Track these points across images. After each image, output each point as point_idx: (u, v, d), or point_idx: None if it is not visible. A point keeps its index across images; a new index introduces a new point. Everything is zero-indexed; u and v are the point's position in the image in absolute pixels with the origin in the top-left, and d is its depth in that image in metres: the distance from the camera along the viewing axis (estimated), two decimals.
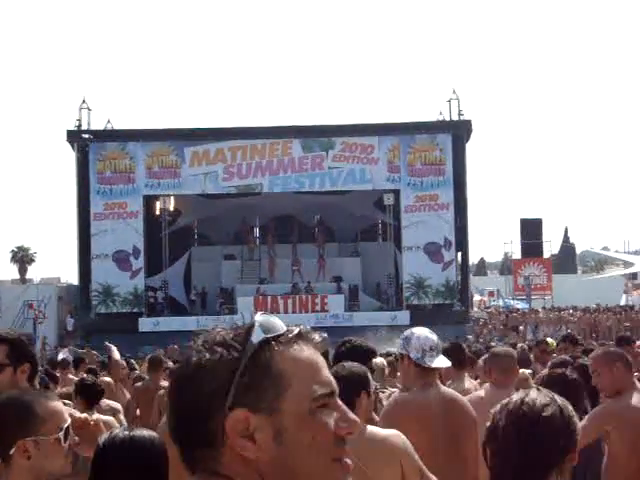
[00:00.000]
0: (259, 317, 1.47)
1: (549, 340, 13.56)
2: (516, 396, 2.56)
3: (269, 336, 1.43)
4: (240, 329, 1.47)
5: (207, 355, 1.43)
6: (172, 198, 39.80)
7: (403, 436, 4.14)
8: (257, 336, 1.43)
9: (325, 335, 1.55)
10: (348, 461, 1.46)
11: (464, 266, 41.29)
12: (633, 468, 4.78)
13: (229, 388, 1.40)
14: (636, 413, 4.89)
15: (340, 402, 1.47)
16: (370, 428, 4.09)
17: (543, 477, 2.43)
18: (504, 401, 2.56)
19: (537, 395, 2.53)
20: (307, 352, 1.46)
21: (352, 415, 1.46)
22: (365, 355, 5.20)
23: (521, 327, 35.51)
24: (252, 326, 1.45)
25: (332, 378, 1.48)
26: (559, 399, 2.52)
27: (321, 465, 1.41)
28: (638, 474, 4.81)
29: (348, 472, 1.45)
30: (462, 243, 40.18)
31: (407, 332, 4.93)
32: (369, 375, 4.28)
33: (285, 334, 1.46)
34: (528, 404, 2.49)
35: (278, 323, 1.48)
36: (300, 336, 1.47)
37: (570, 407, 2.53)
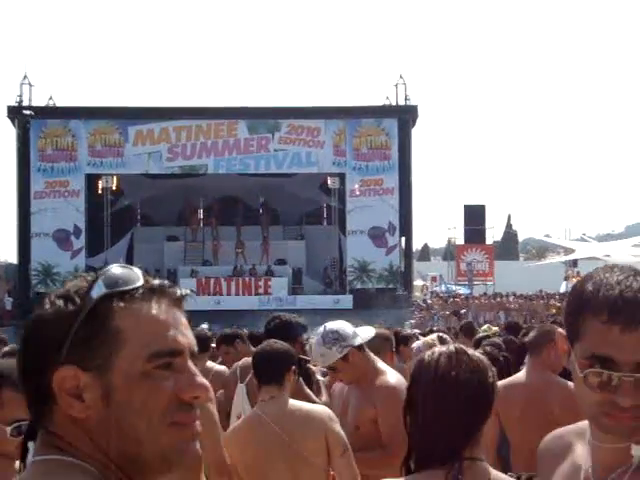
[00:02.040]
0: (110, 269, 1.37)
1: (487, 327, 13.53)
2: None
3: (112, 291, 1.33)
4: (86, 281, 1.36)
5: (47, 307, 1.35)
6: (115, 177, 39.26)
7: (329, 410, 4.20)
8: (97, 291, 1.33)
9: (188, 291, 1.42)
10: (195, 426, 1.35)
11: (408, 251, 41.52)
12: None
13: (63, 342, 1.31)
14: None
15: (190, 364, 1.36)
16: (294, 402, 4.16)
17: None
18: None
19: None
20: (155, 309, 1.35)
21: (200, 379, 1.36)
22: (295, 330, 5.11)
23: (462, 312, 35.78)
24: (96, 279, 1.35)
25: (182, 338, 1.36)
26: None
27: (153, 429, 1.32)
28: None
29: (190, 439, 1.35)
30: (406, 228, 40.37)
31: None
32: (292, 351, 4.30)
33: (135, 289, 1.35)
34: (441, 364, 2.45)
35: (132, 277, 1.36)
36: (153, 291, 1.37)
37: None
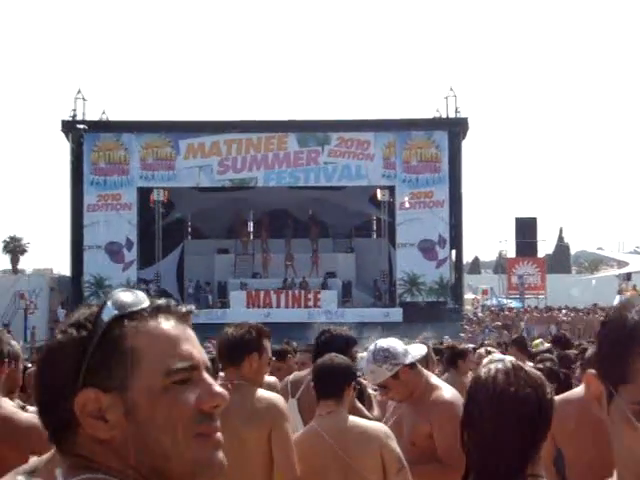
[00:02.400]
0: (115, 294, 1.41)
1: (539, 342, 13.31)
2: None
3: (121, 313, 1.37)
4: (95, 307, 1.41)
5: (60, 336, 1.40)
6: (166, 190, 39.56)
7: (386, 427, 4.19)
8: (107, 313, 1.37)
9: (193, 307, 1.46)
10: (217, 436, 1.38)
11: (458, 264, 41.21)
12: None
13: (80, 368, 1.34)
14: None
15: (206, 375, 1.39)
16: (352, 418, 4.16)
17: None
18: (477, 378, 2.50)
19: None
20: (165, 326, 1.39)
21: (218, 388, 1.38)
22: (345, 344, 5.08)
23: (513, 325, 35.37)
24: (104, 304, 1.39)
25: (195, 352, 1.40)
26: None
27: (178, 443, 1.34)
28: None
29: (214, 449, 1.37)
30: (456, 241, 40.11)
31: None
32: (353, 367, 4.30)
33: (142, 310, 1.39)
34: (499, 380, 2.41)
35: (138, 299, 1.40)
36: (159, 310, 1.41)
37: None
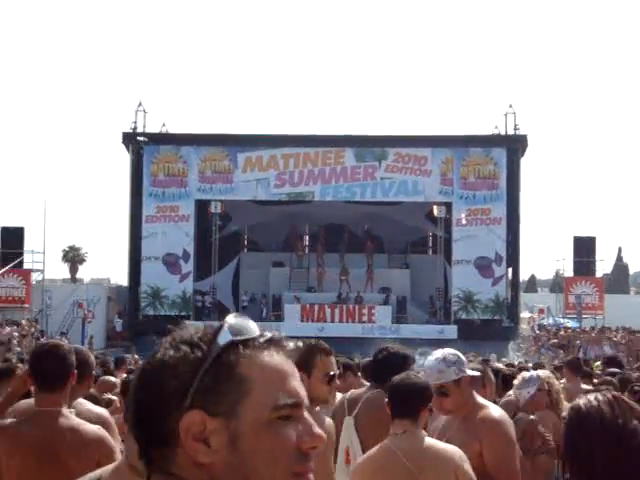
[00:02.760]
0: (230, 318, 1.41)
1: (597, 363, 13.09)
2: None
3: (237, 339, 1.37)
4: (209, 329, 1.40)
5: (171, 352, 1.37)
6: (223, 203, 39.84)
7: (460, 451, 4.15)
8: (224, 338, 1.36)
9: (300, 344, 1.47)
10: (311, 477, 1.38)
11: (514, 282, 40.81)
12: None
13: (189, 388, 1.33)
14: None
15: (307, 415, 1.39)
16: (428, 439, 4.15)
17: None
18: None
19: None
20: (277, 359, 1.39)
21: (317, 430, 1.38)
22: (403, 362, 5.08)
23: (570, 345, 34.92)
24: (221, 327, 1.38)
25: (300, 389, 1.40)
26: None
27: (277, 478, 1.34)
28: None
29: None
30: (513, 259, 39.76)
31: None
32: (431, 389, 4.26)
33: (255, 339, 1.39)
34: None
35: (250, 327, 1.41)
36: (271, 342, 1.41)
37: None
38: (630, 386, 6.15)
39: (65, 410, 3.84)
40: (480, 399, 4.71)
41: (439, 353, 4.60)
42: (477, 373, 4.86)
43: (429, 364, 4.56)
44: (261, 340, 1.39)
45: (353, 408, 5.41)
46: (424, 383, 4.24)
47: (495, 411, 4.60)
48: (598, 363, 13.08)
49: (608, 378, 7.02)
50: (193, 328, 1.41)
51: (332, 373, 4.42)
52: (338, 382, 7.15)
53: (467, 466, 4.08)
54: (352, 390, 6.16)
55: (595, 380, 9.17)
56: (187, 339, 1.38)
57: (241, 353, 1.36)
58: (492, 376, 6.75)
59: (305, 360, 4.26)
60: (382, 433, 4.26)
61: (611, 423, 2.33)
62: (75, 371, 3.89)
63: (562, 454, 2.44)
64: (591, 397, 2.43)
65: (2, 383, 5.90)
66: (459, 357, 4.58)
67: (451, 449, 4.16)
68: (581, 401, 2.44)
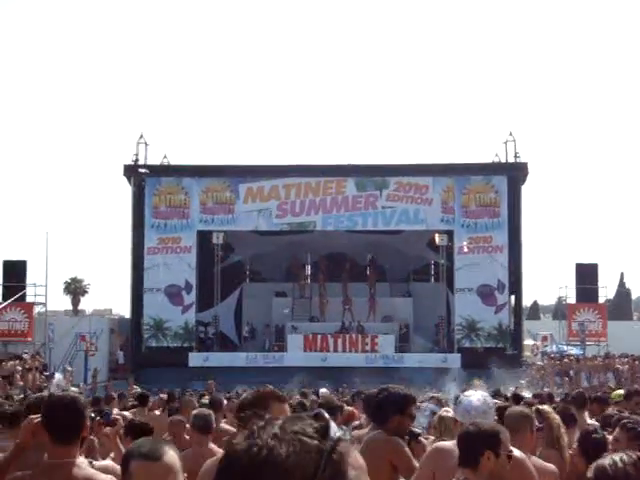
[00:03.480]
0: (323, 413, 1.47)
1: (619, 392, 12.80)
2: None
3: (342, 436, 1.39)
4: (314, 423, 1.40)
5: (297, 446, 1.36)
6: (225, 234, 39.90)
7: None
8: (334, 431, 1.39)
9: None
10: None
11: (517, 310, 40.73)
12: None
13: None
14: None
15: None
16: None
17: None
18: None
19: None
20: (359, 459, 1.42)
21: None
22: (403, 402, 5.06)
23: (572, 373, 34.79)
24: (328, 423, 1.40)
25: None
26: None
27: None
28: None
29: None
30: (516, 286, 39.73)
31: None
32: (501, 435, 4.10)
33: (344, 436, 1.42)
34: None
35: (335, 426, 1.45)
36: (348, 441, 1.42)
37: None
38: (623, 422, 6.06)
39: (78, 460, 3.84)
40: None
41: (480, 395, 4.67)
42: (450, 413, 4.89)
43: (471, 405, 4.57)
44: (348, 438, 1.42)
45: None
46: (490, 428, 4.10)
47: (517, 452, 4.51)
48: (621, 392, 12.75)
49: (617, 415, 6.91)
50: (297, 419, 1.41)
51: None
52: None
53: None
54: (355, 431, 6.13)
55: (610, 410, 9.06)
56: (299, 430, 1.38)
57: (341, 451, 1.37)
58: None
59: (263, 406, 4.19)
60: (379, 478, 4.21)
61: None
62: (88, 423, 3.93)
63: None
64: (616, 458, 2.40)
65: (9, 429, 5.77)
66: (494, 402, 4.70)
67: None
68: (606, 462, 2.40)
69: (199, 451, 7.00)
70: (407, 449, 5.07)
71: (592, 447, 5.28)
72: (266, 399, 4.20)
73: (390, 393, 5.23)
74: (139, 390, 15.37)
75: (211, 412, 7.53)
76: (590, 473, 2.45)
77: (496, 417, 5.14)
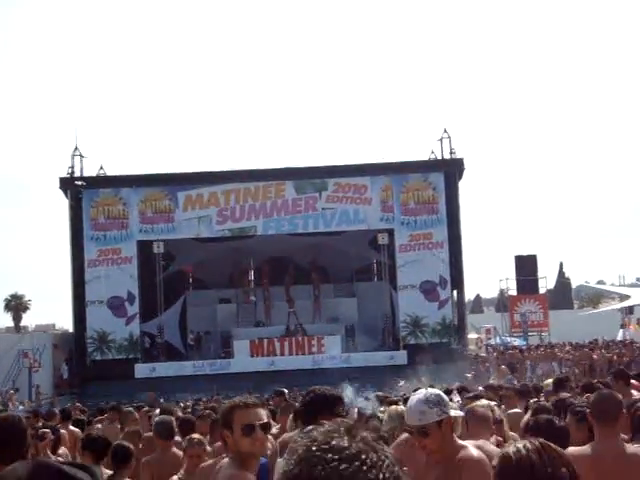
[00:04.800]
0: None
1: (548, 381, 13.15)
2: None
3: None
4: (361, 426, 1.55)
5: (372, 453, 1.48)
6: (166, 243, 39.62)
7: None
8: None
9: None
10: None
11: (460, 304, 41.18)
12: None
13: None
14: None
15: None
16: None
17: None
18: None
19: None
20: None
21: None
22: (331, 403, 5.11)
23: (517, 364, 35.24)
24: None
25: None
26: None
27: None
28: None
29: None
30: (457, 281, 40.14)
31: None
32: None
33: None
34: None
35: None
36: None
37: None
38: (571, 407, 6.22)
39: None
40: (459, 440, 4.72)
41: (421, 394, 4.55)
42: (460, 413, 4.84)
43: (411, 404, 4.51)
44: None
45: (284, 451, 5.44)
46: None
47: (474, 451, 4.57)
48: (549, 381, 13.12)
49: (543, 404, 7.11)
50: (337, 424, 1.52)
51: (253, 424, 4.27)
52: (275, 430, 7.09)
53: None
54: (286, 434, 6.18)
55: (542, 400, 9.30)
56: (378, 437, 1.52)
57: None
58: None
59: (225, 418, 4.33)
60: None
61: (541, 473, 2.34)
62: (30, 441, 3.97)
63: None
64: (520, 445, 2.44)
65: None
66: (442, 397, 4.55)
67: None
68: (510, 449, 2.44)
69: (162, 457, 7.30)
70: None
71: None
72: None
73: (317, 394, 5.27)
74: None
75: (172, 419, 7.85)
76: (495, 461, 2.50)
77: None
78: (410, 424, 4.45)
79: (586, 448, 5.08)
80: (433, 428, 4.45)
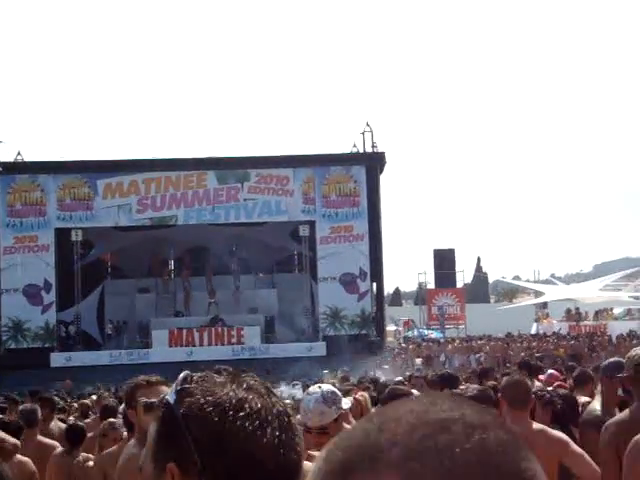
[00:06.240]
0: None
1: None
2: None
3: None
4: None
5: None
6: (85, 231, 39.08)
7: None
8: None
9: None
10: None
11: (379, 296, 41.61)
12: None
13: None
14: None
15: None
16: None
17: None
18: None
19: None
20: None
21: None
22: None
23: (435, 357, 35.84)
24: None
25: None
26: None
27: None
28: None
29: None
30: (377, 274, 40.53)
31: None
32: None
33: None
34: None
35: None
36: None
37: None
38: (536, 393, 6.38)
39: None
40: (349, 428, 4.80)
41: (317, 393, 4.51)
42: (349, 404, 4.92)
43: (309, 406, 4.47)
44: None
45: None
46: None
47: None
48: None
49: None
50: None
51: (152, 401, 4.13)
52: None
53: None
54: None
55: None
56: None
57: None
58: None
59: (128, 398, 4.44)
60: None
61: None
62: None
63: None
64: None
65: None
66: (337, 395, 4.55)
67: None
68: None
69: (28, 445, 7.30)
70: None
71: None
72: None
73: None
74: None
75: (37, 407, 8.05)
76: None
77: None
78: (310, 425, 4.43)
79: None
80: (332, 425, 4.48)
